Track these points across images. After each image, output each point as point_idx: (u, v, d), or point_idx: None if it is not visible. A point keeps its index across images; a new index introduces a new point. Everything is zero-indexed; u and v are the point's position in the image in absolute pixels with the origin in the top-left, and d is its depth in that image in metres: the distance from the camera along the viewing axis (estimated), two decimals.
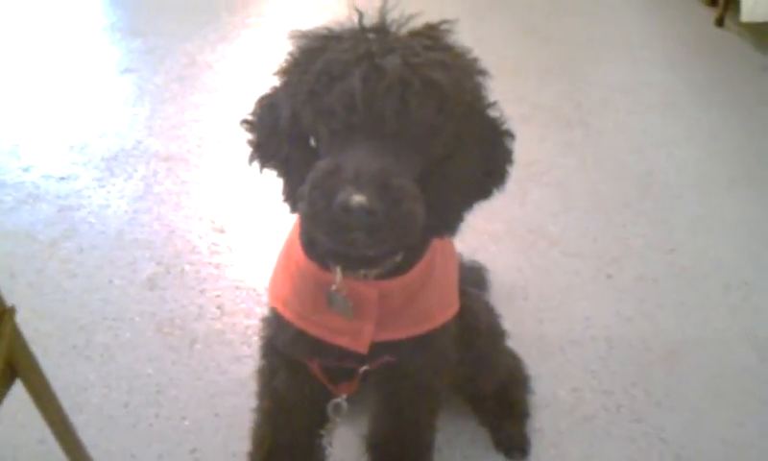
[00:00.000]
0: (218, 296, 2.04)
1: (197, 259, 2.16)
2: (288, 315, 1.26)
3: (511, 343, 1.78)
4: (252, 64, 3.32)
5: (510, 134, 1.12)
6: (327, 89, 0.96)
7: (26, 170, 2.54)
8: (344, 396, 1.42)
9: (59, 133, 2.76)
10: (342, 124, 0.96)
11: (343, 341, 1.24)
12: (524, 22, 3.83)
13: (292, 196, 1.09)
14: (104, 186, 2.47)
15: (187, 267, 2.14)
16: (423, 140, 0.99)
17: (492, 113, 1.09)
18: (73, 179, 2.51)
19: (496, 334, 1.66)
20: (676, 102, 3.19)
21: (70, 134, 2.75)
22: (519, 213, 2.38)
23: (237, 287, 2.07)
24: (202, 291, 2.05)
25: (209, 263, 2.15)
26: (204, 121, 2.87)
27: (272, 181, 2.42)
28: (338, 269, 1.18)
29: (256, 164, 1.14)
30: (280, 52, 1.06)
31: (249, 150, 1.14)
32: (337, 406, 1.43)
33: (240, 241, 2.24)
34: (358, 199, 0.90)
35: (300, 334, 1.27)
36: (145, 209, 2.36)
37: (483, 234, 2.28)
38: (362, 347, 1.24)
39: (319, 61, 0.98)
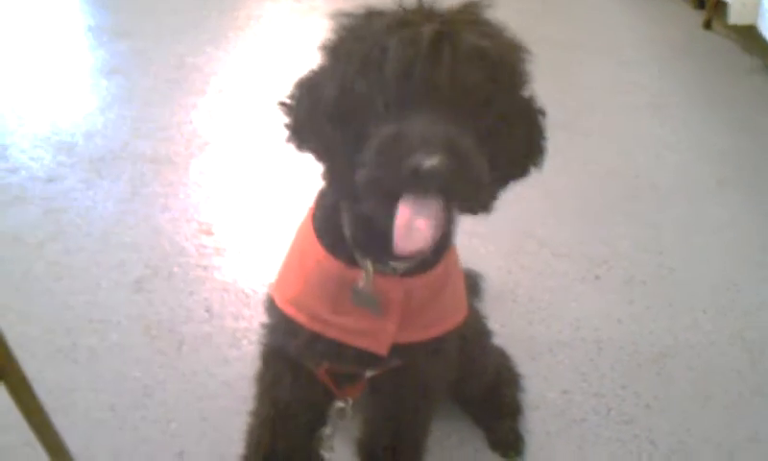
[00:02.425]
0: (206, 298, 2.02)
1: (185, 262, 2.15)
2: (301, 317, 1.23)
3: (500, 344, 1.78)
4: (242, 66, 3.31)
5: (543, 112, 1.11)
6: (382, 59, 0.94)
7: (12, 172, 2.52)
8: (349, 400, 1.41)
9: (45, 134, 2.74)
10: (398, 93, 0.94)
11: (362, 342, 1.22)
12: (511, 24, 3.83)
13: (338, 176, 1.06)
14: (91, 188, 2.45)
15: (175, 269, 2.12)
16: (476, 110, 0.97)
17: (527, 92, 1.09)
18: (60, 180, 2.49)
19: (483, 336, 1.66)
20: (664, 104, 3.20)
21: (57, 136, 2.73)
22: (508, 215, 2.37)
23: (225, 289, 2.06)
24: (190, 293, 2.04)
25: (197, 265, 2.14)
26: (192, 123, 2.86)
27: (260, 184, 2.41)
28: (368, 263, 1.16)
29: (293, 146, 1.10)
30: (273, 54, 1.05)
31: (286, 132, 1.10)
32: (341, 411, 1.42)
33: (228, 243, 2.23)
34: (430, 162, 0.88)
35: (315, 338, 1.24)
36: (132, 211, 2.35)
37: (472, 236, 2.28)
38: (383, 348, 1.22)
39: (368, 35, 0.97)
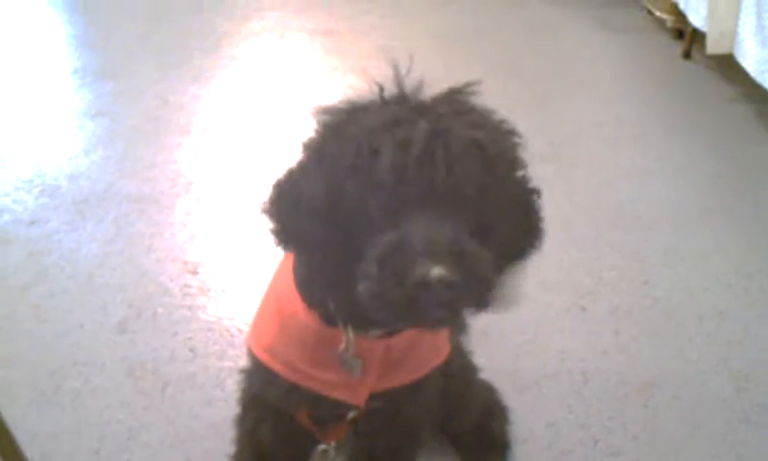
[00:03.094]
0: (190, 338, 2.02)
1: (169, 302, 2.14)
2: (277, 367, 1.22)
3: (486, 377, 1.77)
4: (226, 104, 3.32)
5: (537, 192, 1.10)
6: (373, 162, 0.91)
7: None
8: (332, 443, 1.40)
9: (29, 177, 2.74)
10: (393, 196, 0.92)
11: (340, 394, 1.22)
12: (495, 59, 3.86)
13: (335, 278, 1.02)
14: (75, 230, 2.45)
15: (159, 310, 2.11)
16: (475, 204, 0.95)
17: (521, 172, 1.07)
18: (44, 223, 2.48)
19: (468, 371, 1.65)
20: (646, 134, 3.22)
21: (40, 178, 2.73)
22: None
23: (210, 329, 2.05)
24: (174, 334, 2.03)
25: (181, 305, 2.13)
26: (176, 162, 2.86)
27: (245, 223, 2.40)
28: (348, 330, 1.15)
29: (281, 248, 1.07)
30: (256, 92, 1.05)
31: (272, 237, 1.07)
32: (324, 453, 1.41)
33: (213, 283, 2.23)
34: (438, 271, 0.85)
35: (293, 388, 1.23)
36: (116, 252, 2.34)
37: None
38: (360, 400, 1.23)
39: (356, 135, 0.94)
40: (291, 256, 1.23)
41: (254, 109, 3.27)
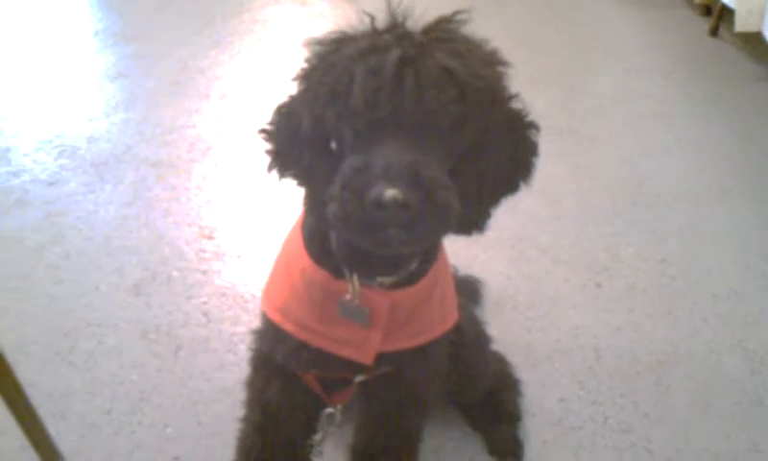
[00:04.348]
0: (204, 302, 2.03)
1: (184, 266, 2.15)
2: (288, 326, 1.24)
3: (498, 350, 1.77)
4: (246, 70, 3.32)
5: (535, 126, 1.10)
6: (348, 89, 0.93)
7: (15, 175, 2.53)
8: (339, 406, 1.41)
9: (49, 138, 2.75)
10: (365, 122, 0.94)
11: (348, 352, 1.23)
12: (518, 31, 3.83)
13: (317, 203, 1.05)
14: (93, 192, 2.46)
15: (174, 273, 2.12)
16: (449, 133, 0.96)
17: (516, 105, 1.07)
18: (62, 184, 2.49)
19: (482, 342, 1.65)
20: (668, 111, 3.18)
21: (60, 140, 2.74)
22: (510, 222, 2.36)
23: (224, 294, 2.06)
24: (188, 298, 2.04)
25: (197, 270, 2.14)
26: (195, 127, 2.86)
27: (261, 189, 2.41)
28: (354, 277, 1.16)
29: (275, 173, 1.11)
30: (277, 59, 1.05)
31: (267, 159, 1.11)
32: (330, 416, 1.42)
33: (228, 248, 2.23)
34: (391, 193, 0.87)
35: (302, 346, 1.24)
36: (133, 215, 2.35)
37: (473, 243, 2.27)
38: (368, 358, 1.23)
39: (336, 63, 0.97)
40: (301, 218, 1.24)
41: (274, 76, 3.26)
